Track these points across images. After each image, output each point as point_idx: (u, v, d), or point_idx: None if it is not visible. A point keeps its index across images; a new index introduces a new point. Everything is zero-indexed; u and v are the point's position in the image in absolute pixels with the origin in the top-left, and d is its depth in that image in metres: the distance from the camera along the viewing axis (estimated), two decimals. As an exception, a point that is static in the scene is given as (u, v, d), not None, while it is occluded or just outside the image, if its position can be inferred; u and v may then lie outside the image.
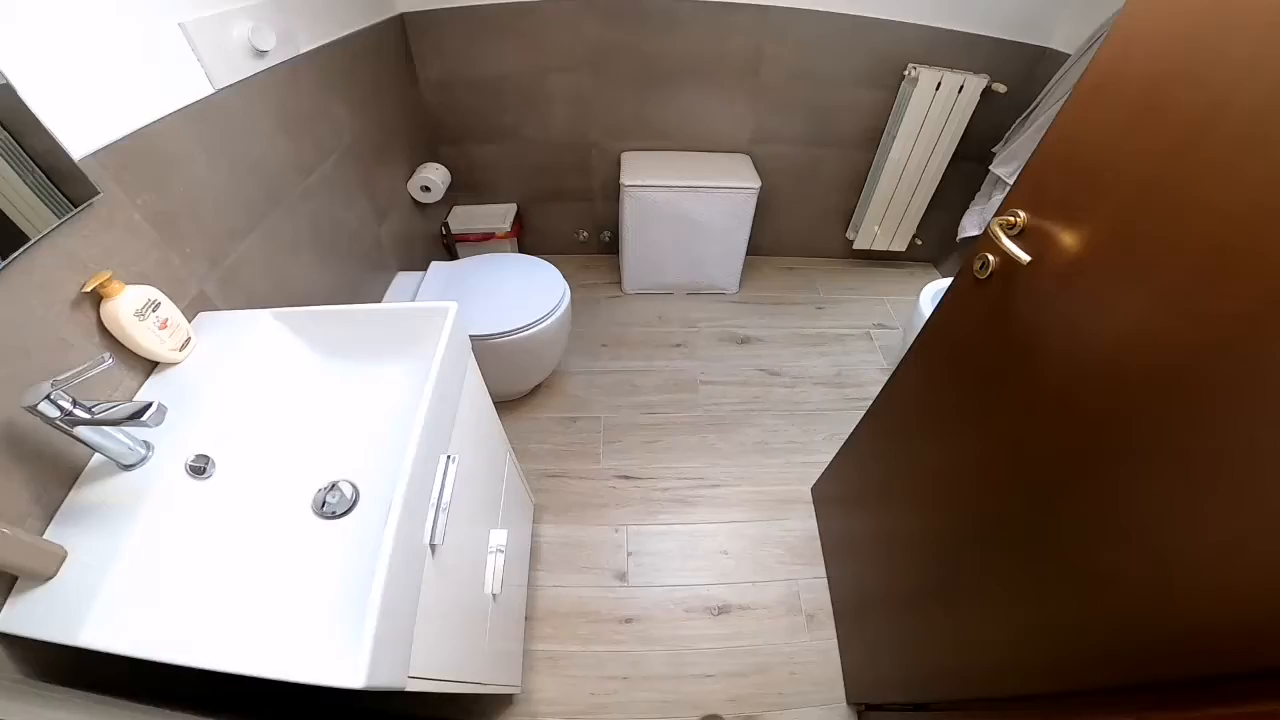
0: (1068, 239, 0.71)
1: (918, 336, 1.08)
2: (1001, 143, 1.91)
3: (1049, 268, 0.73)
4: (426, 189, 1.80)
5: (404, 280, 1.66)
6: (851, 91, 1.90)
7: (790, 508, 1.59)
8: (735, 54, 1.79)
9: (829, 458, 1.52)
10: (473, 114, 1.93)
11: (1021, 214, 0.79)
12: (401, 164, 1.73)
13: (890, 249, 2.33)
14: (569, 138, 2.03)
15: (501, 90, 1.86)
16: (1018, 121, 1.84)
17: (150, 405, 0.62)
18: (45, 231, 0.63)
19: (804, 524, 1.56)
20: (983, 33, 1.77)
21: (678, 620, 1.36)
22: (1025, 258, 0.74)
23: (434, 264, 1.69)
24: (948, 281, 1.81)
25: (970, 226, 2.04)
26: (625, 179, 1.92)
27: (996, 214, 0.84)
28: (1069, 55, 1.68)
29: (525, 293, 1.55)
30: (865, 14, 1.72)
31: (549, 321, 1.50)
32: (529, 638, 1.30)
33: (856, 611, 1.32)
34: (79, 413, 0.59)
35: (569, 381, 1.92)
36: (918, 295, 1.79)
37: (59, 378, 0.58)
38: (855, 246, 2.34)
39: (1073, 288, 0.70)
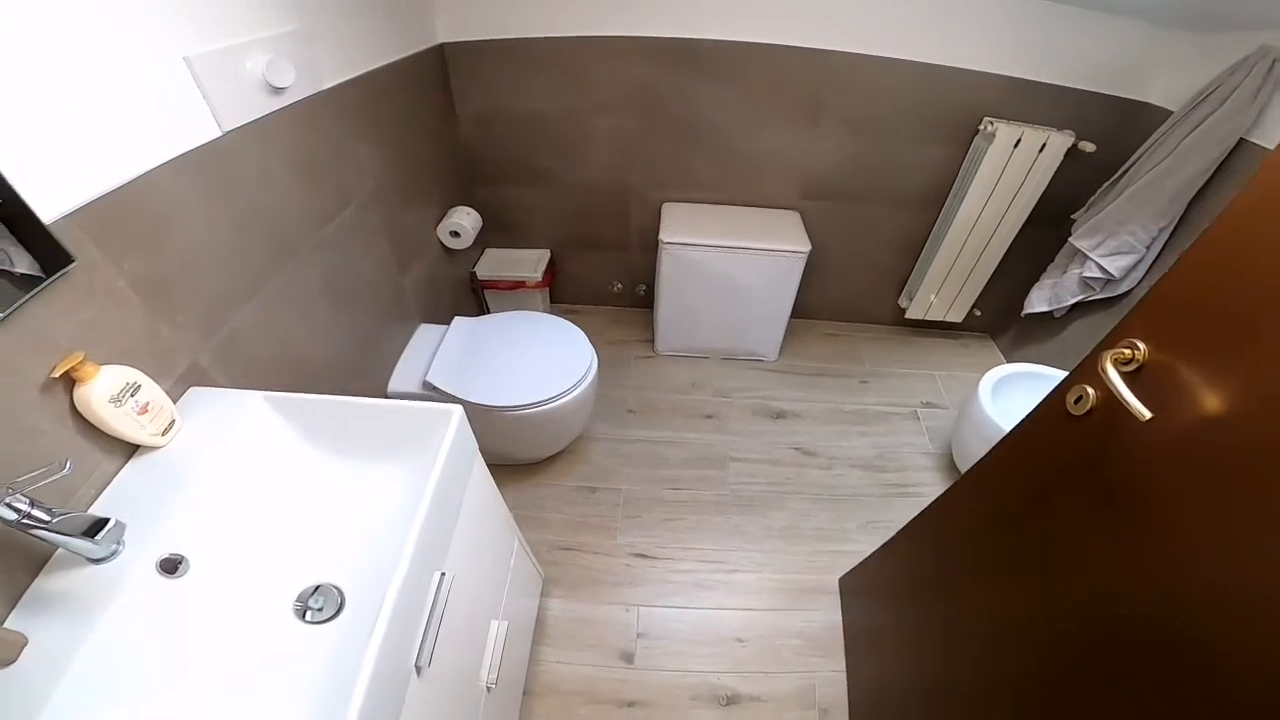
0: (1207, 395, 0.56)
1: (990, 456, 0.93)
2: (1084, 209, 1.75)
3: (1174, 424, 0.59)
4: (456, 234, 1.75)
5: (426, 334, 1.60)
6: (917, 147, 1.78)
7: (814, 598, 1.50)
8: (791, 102, 1.71)
9: (861, 547, 1.46)
10: (510, 153, 1.89)
11: (1141, 346, 0.64)
12: (431, 207, 1.69)
13: (946, 319, 2.17)
14: (608, 183, 1.96)
15: (541, 130, 1.82)
16: (1105, 185, 1.67)
17: (107, 523, 0.59)
18: (8, 311, 0.56)
19: (827, 615, 1.46)
20: (1070, 85, 1.63)
21: (683, 708, 1.28)
22: (1145, 412, 0.59)
23: (457, 320, 1.62)
24: (1012, 369, 1.70)
25: (1039, 302, 1.87)
26: (664, 234, 1.83)
27: (1105, 342, 0.70)
28: (1170, 112, 1.53)
29: (550, 360, 1.47)
30: (937, 62, 1.60)
31: (572, 395, 1.42)
32: (525, 714, 1.22)
33: (874, 709, 1.20)
34: (38, 514, 0.55)
35: (592, 448, 1.82)
36: (978, 378, 1.65)
37: (17, 480, 0.54)
38: (908, 315, 2.19)
39: (1210, 462, 0.55)
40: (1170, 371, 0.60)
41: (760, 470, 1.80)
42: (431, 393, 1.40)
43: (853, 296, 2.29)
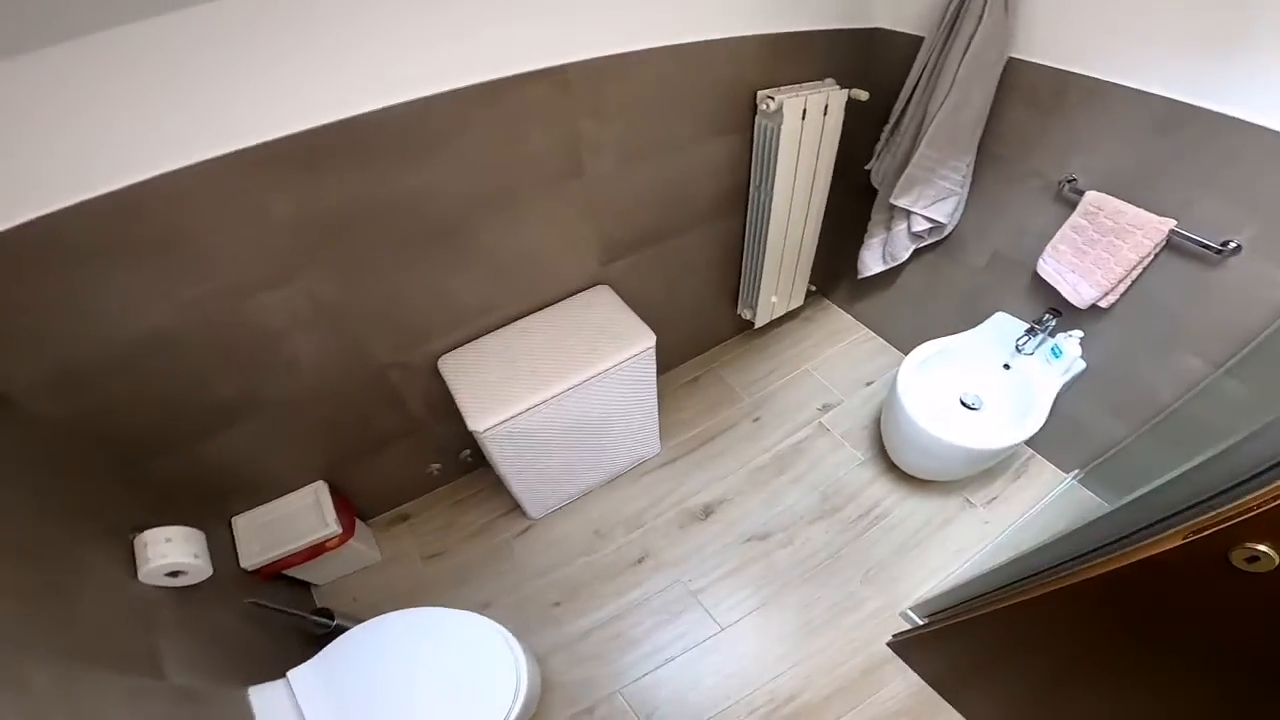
0: None
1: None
2: (875, 158, 1.67)
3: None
4: (176, 573, 0.99)
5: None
6: (700, 149, 1.45)
7: (879, 672, 1.41)
8: (539, 152, 1.21)
9: (879, 601, 1.50)
10: (162, 406, 1.10)
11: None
12: (92, 565, 0.86)
13: (789, 310, 2.04)
14: (343, 372, 1.30)
15: (182, 352, 1.06)
16: (886, 130, 1.60)
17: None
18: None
19: (904, 679, 1.39)
20: (815, 27, 1.45)
21: None
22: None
23: (292, 677, 1.01)
24: (934, 347, 1.56)
25: (873, 263, 1.79)
26: (472, 421, 1.27)
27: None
28: (903, 34, 1.47)
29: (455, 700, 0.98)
30: (686, 40, 1.24)
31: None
32: None
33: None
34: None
35: (550, 667, 1.42)
36: (844, 352, 1.71)
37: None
38: (757, 326, 1.98)
39: None
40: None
41: (732, 585, 1.54)
42: None
43: (693, 332, 2.01)
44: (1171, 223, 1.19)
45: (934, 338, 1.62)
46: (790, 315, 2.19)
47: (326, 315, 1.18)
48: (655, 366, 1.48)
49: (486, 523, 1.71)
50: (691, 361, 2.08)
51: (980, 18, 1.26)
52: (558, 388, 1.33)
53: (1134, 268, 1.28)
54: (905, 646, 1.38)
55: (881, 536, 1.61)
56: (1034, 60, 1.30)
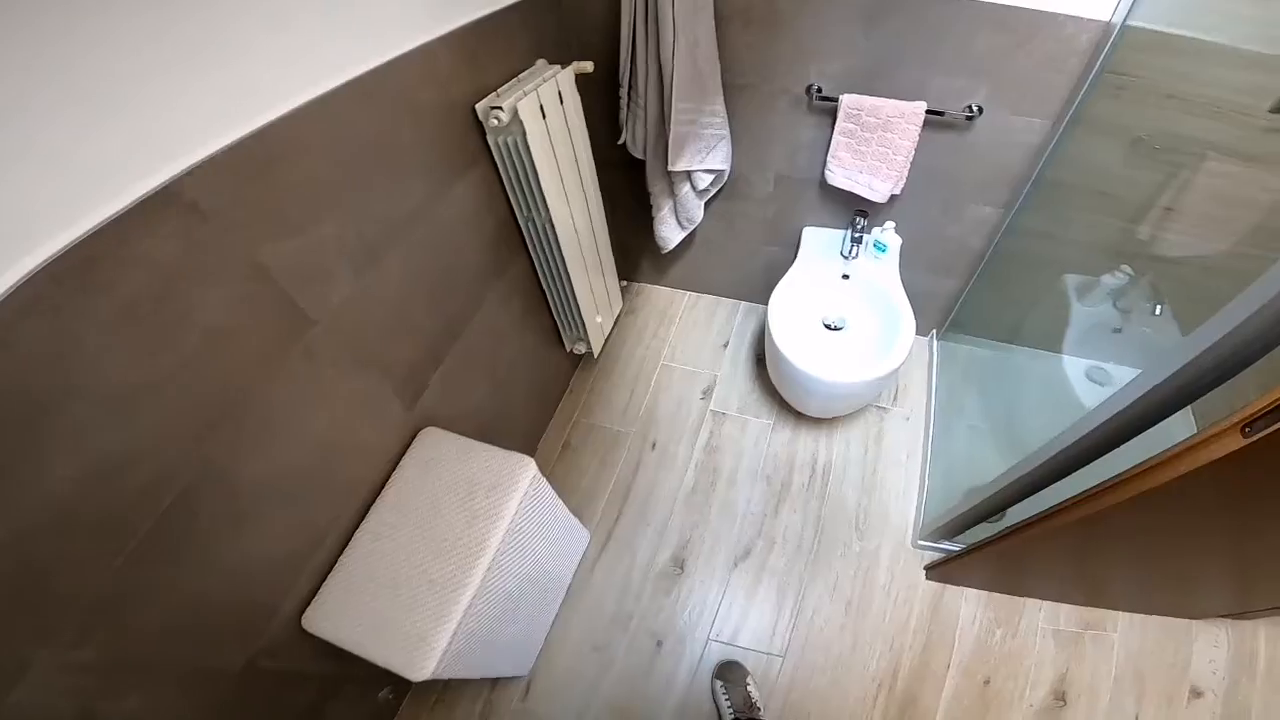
0: None
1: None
2: (625, 129, 1.47)
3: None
4: None
5: None
6: (441, 206, 1.04)
7: (943, 607, 1.39)
8: (237, 329, 0.68)
9: (888, 542, 1.49)
10: None
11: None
12: None
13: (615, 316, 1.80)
14: (204, 696, 0.67)
15: None
16: (624, 96, 1.40)
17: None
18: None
19: (967, 598, 1.39)
20: (493, 6, 1.14)
21: None
22: None
23: None
24: (780, 296, 1.48)
25: (673, 234, 1.63)
26: (411, 672, 0.77)
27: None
28: None
29: None
30: (349, 75, 0.79)
31: None
32: None
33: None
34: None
35: None
36: (677, 331, 1.58)
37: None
38: (595, 354, 1.71)
39: None
40: None
41: (757, 615, 1.41)
42: None
43: (538, 399, 1.66)
44: (922, 104, 1.26)
45: (750, 272, 1.57)
46: (616, 322, 1.96)
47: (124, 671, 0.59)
48: (546, 483, 1.13)
49: (482, 709, 1.29)
50: (551, 427, 1.75)
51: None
52: (470, 586, 0.91)
53: (910, 152, 1.33)
54: (946, 572, 1.38)
55: (840, 487, 1.59)
56: None
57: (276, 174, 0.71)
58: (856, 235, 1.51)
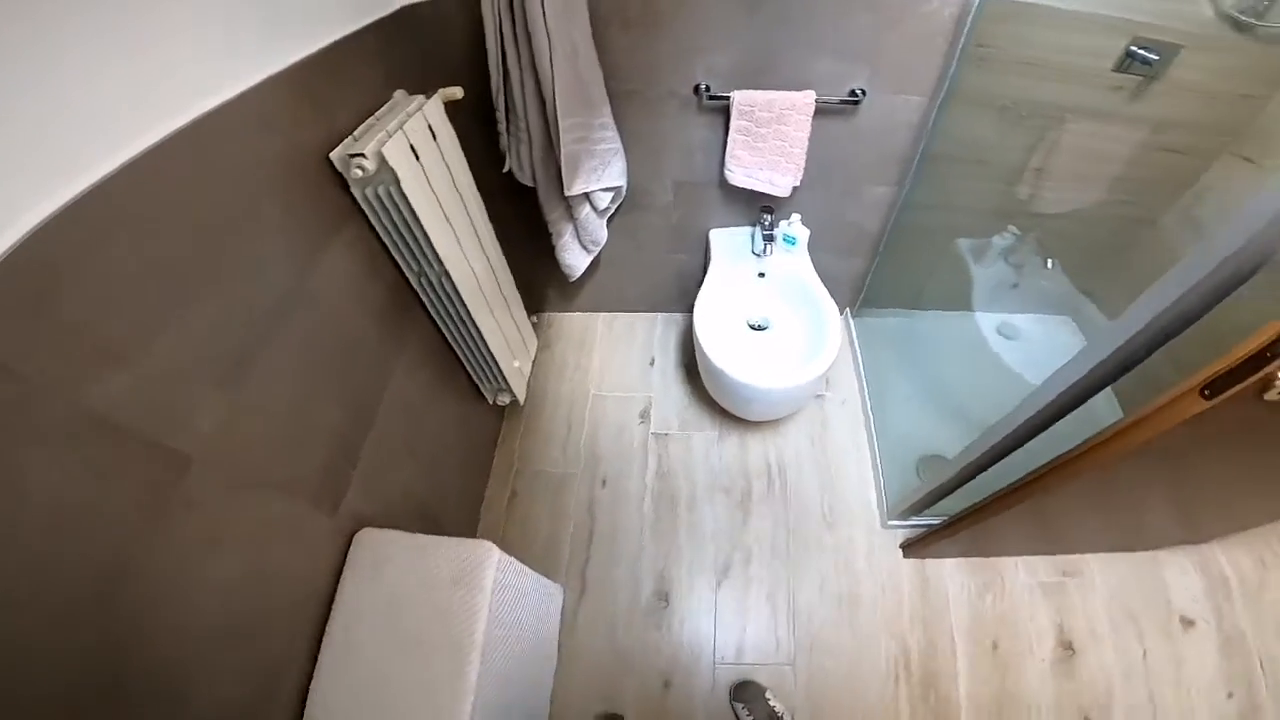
0: None
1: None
2: (508, 156, 1.32)
3: None
4: None
5: None
6: (319, 279, 0.85)
7: (929, 583, 1.42)
8: (91, 501, 0.48)
9: (857, 529, 1.50)
10: None
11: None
12: None
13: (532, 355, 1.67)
14: None
15: None
16: (501, 120, 1.26)
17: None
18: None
19: (947, 569, 1.43)
20: (331, 38, 0.96)
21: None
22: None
23: None
24: (703, 305, 1.44)
25: (578, 259, 1.53)
26: None
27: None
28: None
29: None
30: (196, 115, 0.61)
31: None
32: None
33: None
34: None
35: None
36: (600, 358, 1.55)
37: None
38: (520, 401, 1.55)
39: None
40: None
41: (754, 630, 1.37)
42: None
43: (470, 462, 1.49)
44: (811, 93, 1.25)
45: (661, 282, 1.60)
46: (534, 361, 1.81)
47: None
48: (511, 560, 0.98)
49: None
50: (491, 485, 1.58)
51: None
52: (467, 692, 0.77)
53: (805, 142, 1.32)
54: (922, 548, 1.40)
55: (799, 483, 1.58)
56: None
57: (76, 289, 0.52)
58: (767, 232, 1.50)
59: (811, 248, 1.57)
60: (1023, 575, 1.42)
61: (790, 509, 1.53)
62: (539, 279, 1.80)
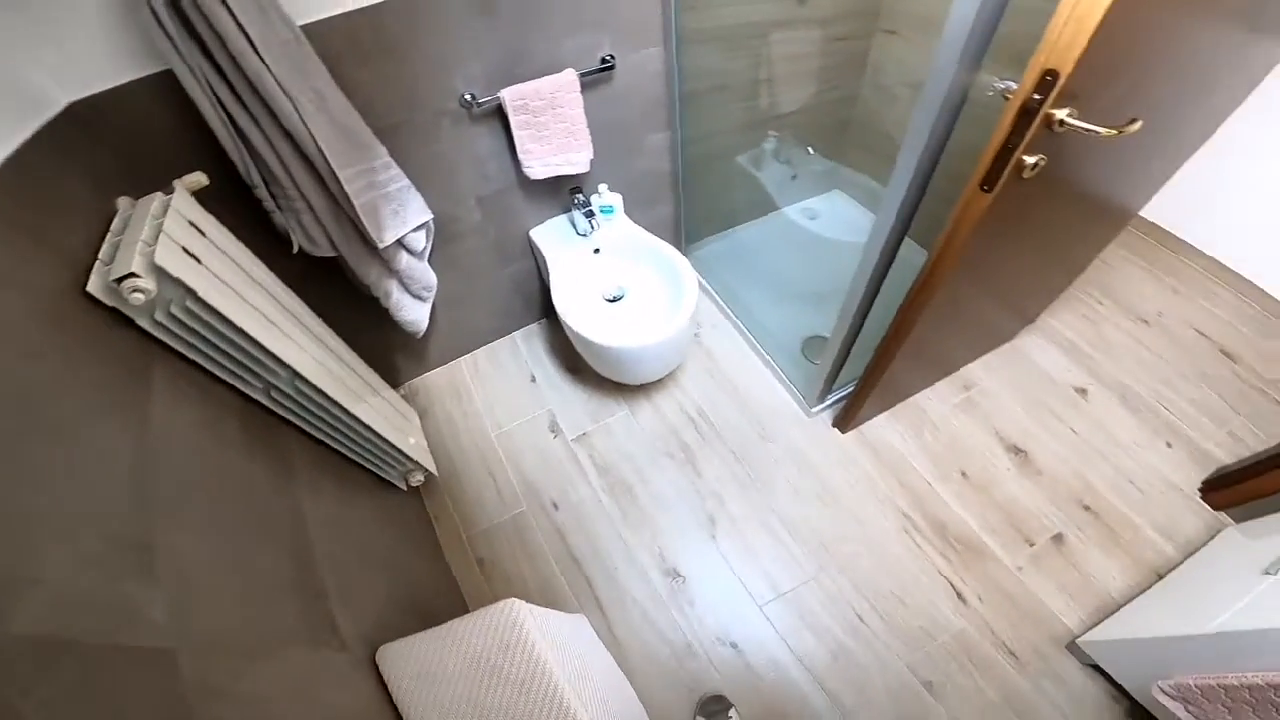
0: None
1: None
2: (292, 232, 1.15)
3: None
4: None
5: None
6: (154, 461, 0.65)
7: (864, 457, 1.58)
8: None
9: (795, 436, 1.62)
10: None
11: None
12: None
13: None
14: None
15: None
16: (263, 195, 1.09)
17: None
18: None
19: (873, 433, 1.62)
20: (10, 148, 0.75)
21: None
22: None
23: None
24: (561, 303, 1.49)
25: (418, 312, 1.45)
26: None
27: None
28: (126, 85, 0.93)
29: None
30: None
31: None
32: None
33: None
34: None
35: None
36: (522, 346, 1.39)
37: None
38: (435, 471, 1.37)
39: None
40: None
41: (761, 564, 1.42)
42: None
43: (416, 544, 1.26)
44: (571, 70, 1.31)
45: (504, 301, 1.64)
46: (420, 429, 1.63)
47: None
48: (534, 607, 0.89)
49: None
50: (453, 562, 1.45)
51: (226, 4, 0.87)
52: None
53: (583, 117, 1.38)
54: (849, 417, 1.58)
55: (722, 416, 1.69)
56: (328, 15, 1.05)
57: None
58: (586, 209, 1.54)
59: (627, 209, 1.65)
60: (936, 404, 1.68)
61: (728, 442, 1.63)
62: (385, 351, 1.65)
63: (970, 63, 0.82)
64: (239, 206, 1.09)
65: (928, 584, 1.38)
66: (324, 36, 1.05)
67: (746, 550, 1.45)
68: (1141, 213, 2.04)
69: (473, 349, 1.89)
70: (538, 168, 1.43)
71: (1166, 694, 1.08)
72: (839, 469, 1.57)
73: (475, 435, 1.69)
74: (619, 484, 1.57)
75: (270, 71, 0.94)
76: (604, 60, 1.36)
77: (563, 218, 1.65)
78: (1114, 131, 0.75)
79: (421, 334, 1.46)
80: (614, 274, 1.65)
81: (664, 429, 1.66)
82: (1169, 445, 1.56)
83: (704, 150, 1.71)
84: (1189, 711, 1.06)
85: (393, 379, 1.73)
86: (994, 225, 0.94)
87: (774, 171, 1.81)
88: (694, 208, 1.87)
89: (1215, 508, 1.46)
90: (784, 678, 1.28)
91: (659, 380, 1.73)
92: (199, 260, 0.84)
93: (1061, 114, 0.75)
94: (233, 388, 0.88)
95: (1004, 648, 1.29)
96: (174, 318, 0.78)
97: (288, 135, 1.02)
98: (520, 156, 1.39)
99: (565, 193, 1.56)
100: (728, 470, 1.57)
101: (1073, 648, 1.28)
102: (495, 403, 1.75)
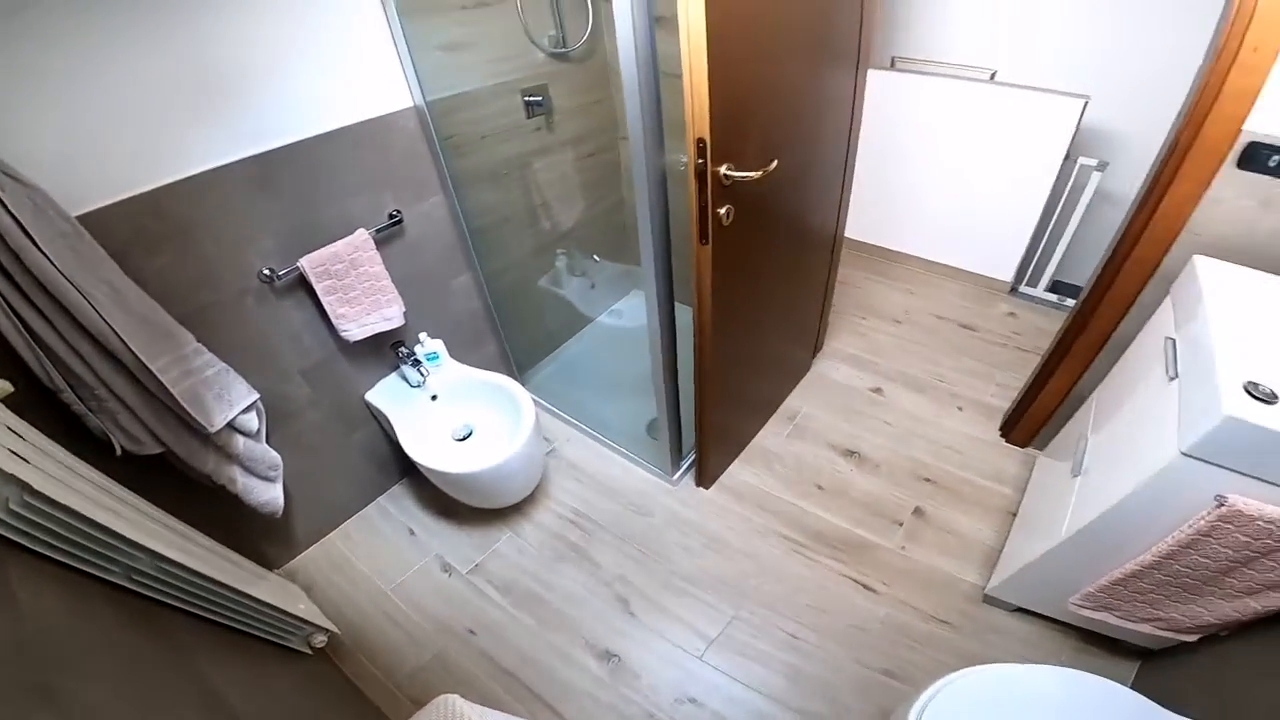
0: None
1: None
2: (117, 436, 1.13)
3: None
4: None
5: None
6: (37, 656, 0.64)
7: (748, 500, 1.85)
8: None
9: (674, 506, 1.85)
10: None
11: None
12: None
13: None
14: None
15: None
16: (69, 395, 1.09)
17: None
18: None
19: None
20: None
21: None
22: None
23: None
24: (412, 450, 1.59)
25: (268, 493, 1.44)
26: None
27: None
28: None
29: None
30: None
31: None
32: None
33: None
34: None
35: None
36: (387, 500, 1.58)
37: None
38: (327, 638, 1.22)
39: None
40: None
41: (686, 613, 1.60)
42: None
43: (343, 706, 1.10)
44: (363, 230, 1.52)
45: (358, 469, 1.77)
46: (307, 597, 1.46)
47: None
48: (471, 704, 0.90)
49: None
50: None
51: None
52: None
53: (385, 273, 1.59)
54: (709, 476, 1.85)
55: (598, 509, 1.88)
56: (105, 203, 1.14)
57: None
58: (412, 362, 1.72)
59: (455, 354, 1.88)
60: (773, 439, 2.06)
61: (611, 529, 1.81)
62: (250, 539, 1.61)
63: (655, 147, 1.16)
64: (52, 412, 1.08)
65: (835, 588, 1.60)
66: (107, 225, 1.12)
67: (665, 614, 1.58)
68: (855, 236, 2.81)
69: (342, 522, 1.90)
70: (354, 329, 1.58)
71: (1084, 607, 1.19)
72: (716, 519, 1.80)
73: (370, 595, 1.69)
74: (526, 596, 1.64)
75: (55, 266, 1.00)
76: (391, 215, 1.59)
77: (393, 376, 1.82)
78: (760, 174, 1.13)
79: (279, 513, 1.46)
80: (457, 415, 1.83)
81: (549, 537, 1.80)
82: (960, 409, 2.07)
83: (508, 281, 2.04)
84: (1117, 616, 1.16)
85: (266, 565, 1.59)
86: (724, 268, 1.33)
87: (574, 286, 2.20)
88: (516, 339, 2.17)
89: (1020, 445, 1.90)
90: (753, 711, 1.38)
91: (530, 497, 1.88)
92: (28, 460, 0.84)
93: (724, 169, 1.11)
94: (100, 580, 0.85)
95: (933, 619, 1.51)
96: (12, 512, 0.76)
97: (87, 333, 1.07)
98: (335, 321, 1.53)
99: (388, 350, 1.73)
100: (620, 553, 1.73)
101: (990, 599, 1.49)
102: (380, 563, 1.77)
